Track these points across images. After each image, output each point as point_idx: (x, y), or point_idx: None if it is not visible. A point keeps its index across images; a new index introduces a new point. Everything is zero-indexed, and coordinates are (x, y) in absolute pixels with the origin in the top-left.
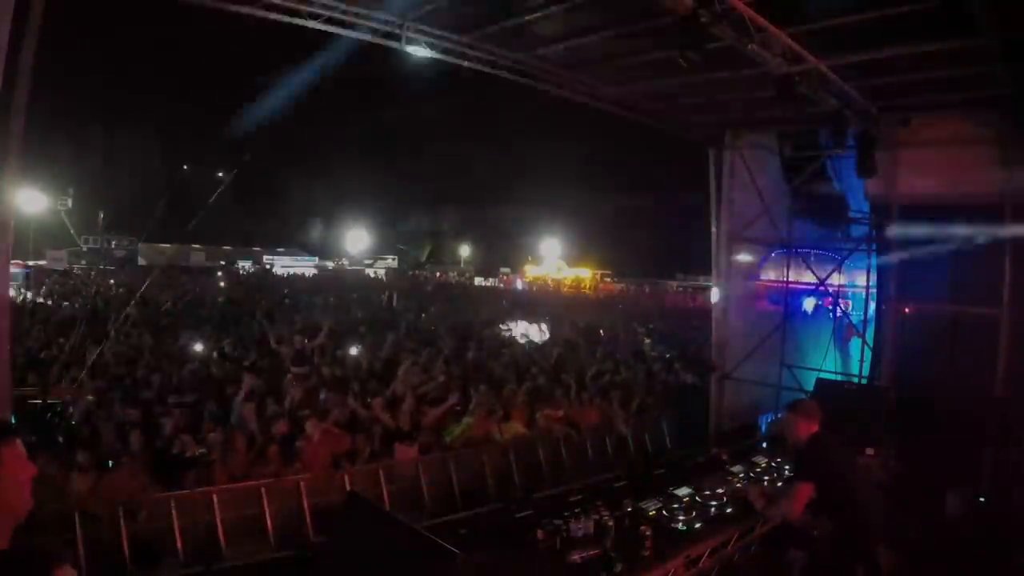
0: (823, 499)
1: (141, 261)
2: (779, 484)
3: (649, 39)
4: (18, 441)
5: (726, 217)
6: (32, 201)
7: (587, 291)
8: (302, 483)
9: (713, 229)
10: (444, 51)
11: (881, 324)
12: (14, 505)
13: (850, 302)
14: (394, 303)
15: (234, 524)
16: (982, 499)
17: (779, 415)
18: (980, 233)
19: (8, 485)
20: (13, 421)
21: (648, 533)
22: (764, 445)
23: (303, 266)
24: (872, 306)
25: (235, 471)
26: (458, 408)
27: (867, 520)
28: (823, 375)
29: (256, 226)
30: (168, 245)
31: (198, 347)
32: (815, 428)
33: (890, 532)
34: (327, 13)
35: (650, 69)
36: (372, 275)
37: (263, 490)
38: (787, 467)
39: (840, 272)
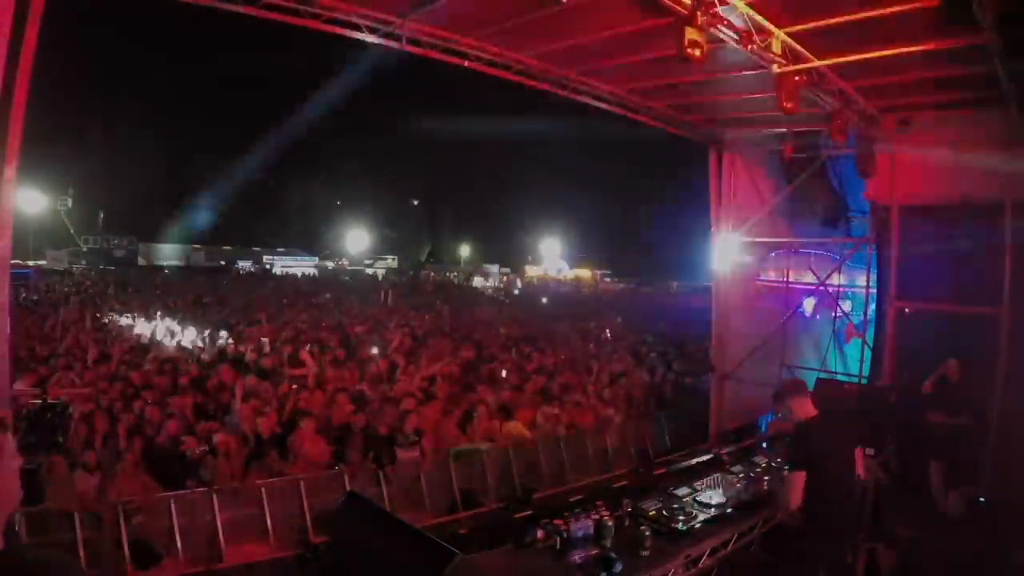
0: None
1: (141, 261)
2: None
3: (649, 39)
4: (9, 432)
5: (726, 217)
6: (32, 201)
7: (587, 291)
8: (302, 483)
9: (713, 229)
10: (444, 51)
11: (881, 324)
12: (10, 495)
13: (850, 302)
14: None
15: (234, 524)
16: (982, 499)
17: (778, 412)
18: (980, 233)
19: (5, 475)
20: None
21: (648, 533)
22: (764, 445)
23: (303, 266)
24: (872, 306)
25: (234, 471)
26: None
27: (840, 511)
28: (823, 375)
29: (256, 226)
30: (168, 245)
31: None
32: (810, 408)
33: (890, 532)
34: (327, 13)
35: (651, 69)
36: (372, 275)
37: (263, 490)
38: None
39: (840, 272)
